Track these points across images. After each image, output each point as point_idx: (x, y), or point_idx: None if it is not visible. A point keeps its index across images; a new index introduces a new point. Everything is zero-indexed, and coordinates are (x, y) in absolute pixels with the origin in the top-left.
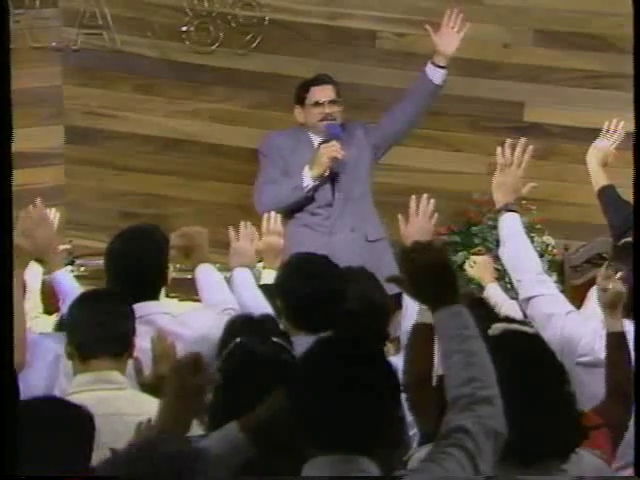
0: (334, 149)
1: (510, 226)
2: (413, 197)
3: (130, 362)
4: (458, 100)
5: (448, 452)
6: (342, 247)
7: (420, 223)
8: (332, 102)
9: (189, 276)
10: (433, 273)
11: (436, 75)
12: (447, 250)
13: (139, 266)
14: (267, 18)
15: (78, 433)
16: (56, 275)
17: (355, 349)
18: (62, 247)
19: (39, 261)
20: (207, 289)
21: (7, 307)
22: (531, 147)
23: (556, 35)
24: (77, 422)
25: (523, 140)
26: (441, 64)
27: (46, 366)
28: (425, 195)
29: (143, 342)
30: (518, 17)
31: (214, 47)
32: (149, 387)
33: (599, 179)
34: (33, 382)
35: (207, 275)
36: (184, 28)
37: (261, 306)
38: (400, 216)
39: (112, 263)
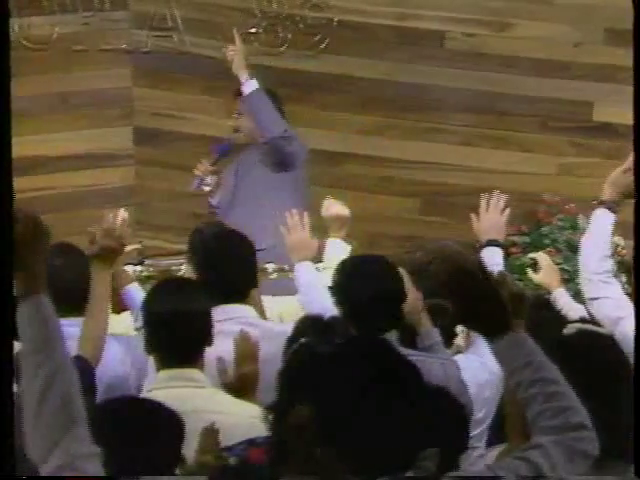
0: (197, 167)
1: (599, 223)
2: (483, 194)
3: (213, 362)
4: (528, 100)
5: (507, 464)
6: None
7: (491, 219)
8: (238, 114)
9: None
10: (479, 302)
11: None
12: (488, 275)
13: (235, 267)
14: (335, 19)
15: (169, 435)
16: (128, 289)
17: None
18: (132, 247)
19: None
20: (305, 287)
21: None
22: None
23: (626, 33)
24: (169, 425)
25: None
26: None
27: (114, 367)
28: (496, 191)
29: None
30: (588, 16)
31: (283, 49)
32: (232, 387)
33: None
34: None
35: (305, 273)
36: (253, 30)
37: (329, 305)
38: (472, 215)
39: (206, 263)
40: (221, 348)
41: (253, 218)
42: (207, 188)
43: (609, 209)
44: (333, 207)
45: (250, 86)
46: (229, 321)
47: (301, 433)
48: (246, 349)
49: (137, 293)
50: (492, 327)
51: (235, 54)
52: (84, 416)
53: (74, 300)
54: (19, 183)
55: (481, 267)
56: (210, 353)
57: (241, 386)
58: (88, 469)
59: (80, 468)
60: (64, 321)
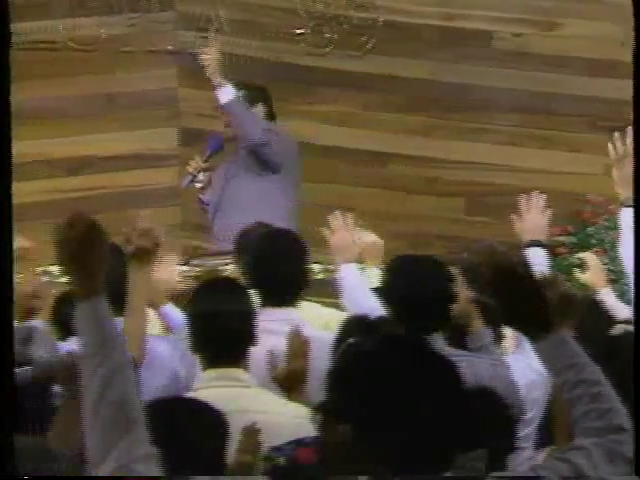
0: (189, 163)
1: (627, 222)
2: (523, 195)
3: (263, 357)
4: (575, 100)
5: (550, 464)
6: None
7: (533, 219)
8: None
9: None
10: (522, 302)
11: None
12: (532, 276)
13: (286, 268)
14: (381, 19)
15: (215, 436)
16: (165, 309)
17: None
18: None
19: None
20: (349, 289)
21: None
22: None
23: None
24: (215, 425)
25: (630, 129)
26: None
27: (164, 364)
28: (536, 191)
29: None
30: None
31: (328, 49)
32: (281, 382)
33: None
34: (151, 383)
35: (349, 275)
36: (299, 31)
37: (374, 306)
38: (513, 215)
39: (256, 265)
40: (270, 344)
41: (239, 219)
42: (199, 185)
43: (630, 206)
44: (367, 237)
45: (225, 93)
46: (278, 322)
47: (342, 448)
48: (298, 345)
49: (174, 313)
50: (535, 328)
51: (209, 59)
52: (142, 417)
53: (119, 301)
54: (68, 183)
55: (525, 267)
56: (257, 352)
57: (290, 383)
58: (141, 470)
59: (135, 469)
60: None
